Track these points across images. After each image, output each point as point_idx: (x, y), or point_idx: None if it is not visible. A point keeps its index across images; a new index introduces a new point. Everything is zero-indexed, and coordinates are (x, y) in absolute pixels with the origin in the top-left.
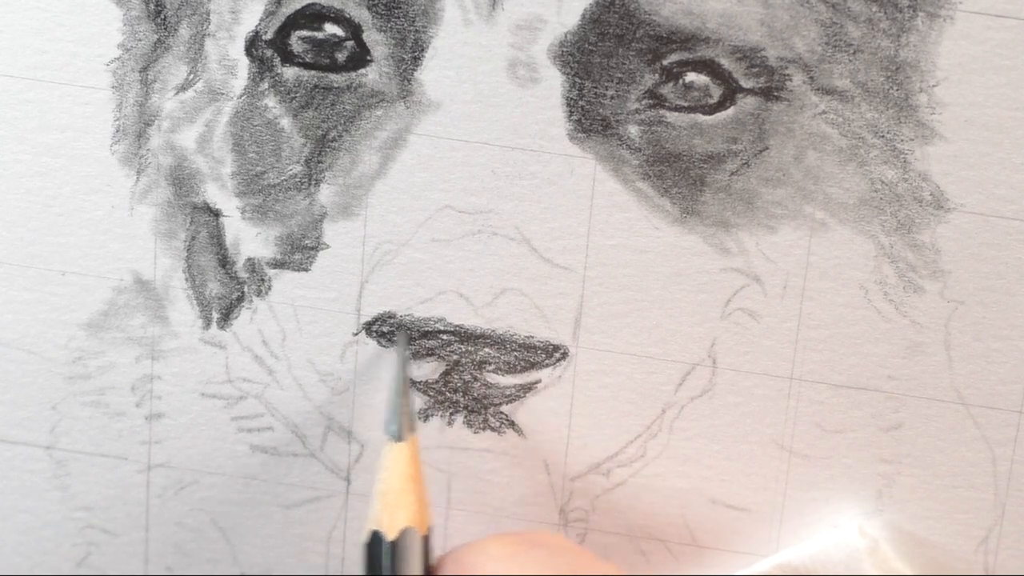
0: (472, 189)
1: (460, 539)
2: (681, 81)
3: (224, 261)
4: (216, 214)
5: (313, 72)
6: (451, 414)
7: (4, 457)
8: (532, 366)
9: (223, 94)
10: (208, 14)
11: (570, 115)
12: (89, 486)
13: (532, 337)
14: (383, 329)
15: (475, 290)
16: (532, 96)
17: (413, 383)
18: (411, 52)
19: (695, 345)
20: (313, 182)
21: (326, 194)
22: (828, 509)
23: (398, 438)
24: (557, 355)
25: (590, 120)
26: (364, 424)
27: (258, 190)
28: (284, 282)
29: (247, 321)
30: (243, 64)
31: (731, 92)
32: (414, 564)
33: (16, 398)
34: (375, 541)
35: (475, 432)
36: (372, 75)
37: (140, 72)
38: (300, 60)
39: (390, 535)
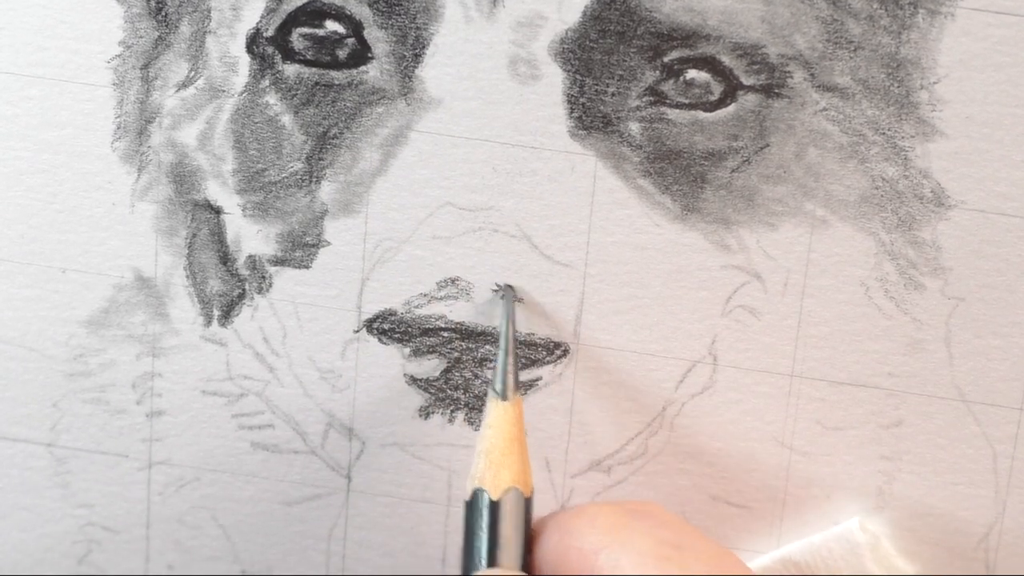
0: (473, 186)
1: (461, 536)
2: (682, 78)
3: (225, 258)
4: (217, 211)
5: (314, 69)
6: (452, 411)
7: (5, 454)
8: (533, 363)
9: (224, 91)
10: (209, 11)
11: (571, 112)
12: (90, 483)
13: (533, 334)
14: (384, 326)
15: (476, 287)
16: (533, 93)
17: (416, 379)
18: (412, 49)
19: (696, 342)
20: (314, 179)
21: (327, 191)
22: (829, 506)
23: (503, 396)
24: (558, 352)
25: (591, 117)
26: (365, 421)
27: (259, 187)
28: (285, 279)
29: (248, 318)
30: (244, 61)
31: (732, 89)
32: (517, 526)
33: (17, 395)
34: (477, 499)
35: (476, 429)
36: (373, 72)
37: (141, 69)
38: (301, 57)
39: (494, 494)
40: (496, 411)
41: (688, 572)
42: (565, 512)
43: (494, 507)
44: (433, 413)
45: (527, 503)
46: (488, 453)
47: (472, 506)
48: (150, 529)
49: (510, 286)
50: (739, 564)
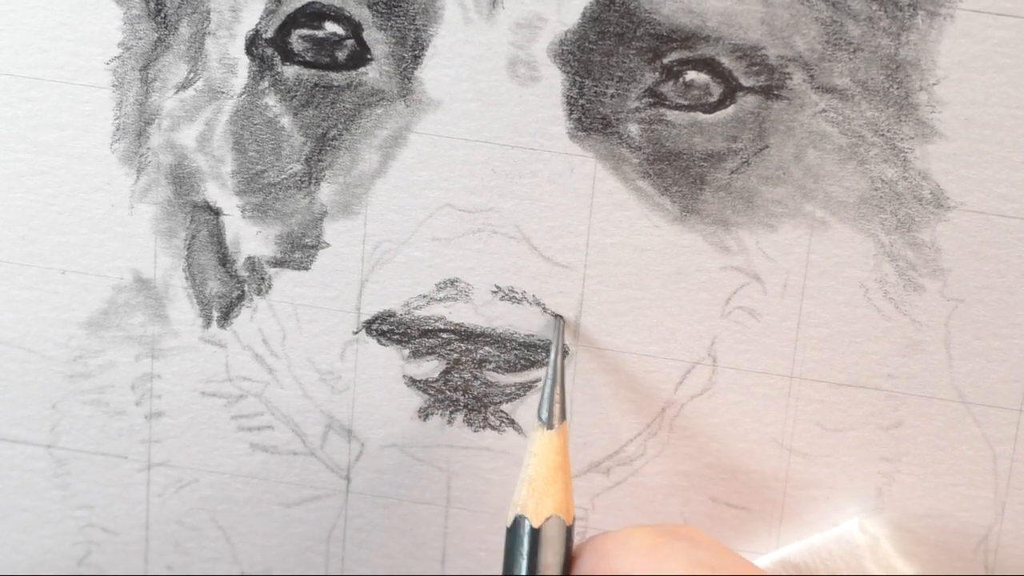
0: (472, 188)
1: (460, 538)
2: (681, 79)
3: (224, 260)
4: (216, 213)
5: (313, 71)
6: (451, 412)
7: (4, 456)
8: (532, 364)
9: (223, 92)
10: (208, 13)
11: (570, 113)
12: (89, 485)
13: (532, 335)
14: (383, 328)
15: (475, 288)
16: (532, 94)
17: (415, 381)
18: (411, 50)
19: (695, 343)
20: (313, 181)
21: (326, 193)
22: (828, 507)
23: (549, 425)
24: None
25: (590, 118)
26: (364, 423)
27: (258, 189)
28: (284, 281)
29: (247, 320)
30: (243, 63)
31: (731, 90)
32: (557, 552)
33: (16, 397)
34: (518, 526)
35: (475, 430)
36: (372, 73)
37: (140, 71)
38: (300, 59)
39: (536, 522)
40: (541, 439)
41: None
42: (601, 536)
43: (535, 534)
44: (432, 414)
45: (568, 531)
46: (532, 481)
47: (513, 532)
48: (149, 530)
49: (561, 316)
50: None
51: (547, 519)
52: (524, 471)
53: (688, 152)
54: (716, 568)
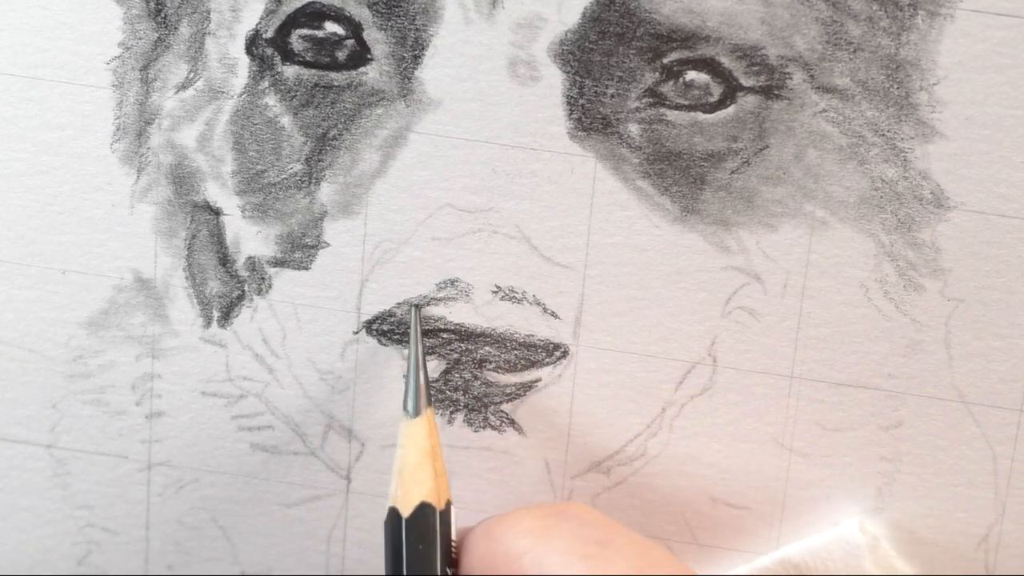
0: (472, 187)
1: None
2: (681, 79)
3: (224, 259)
4: (216, 212)
5: (313, 70)
6: (451, 412)
7: (4, 456)
8: (532, 364)
9: (223, 92)
10: (208, 12)
11: (570, 113)
12: (89, 485)
13: (532, 335)
14: (383, 328)
15: (475, 288)
16: (532, 94)
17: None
18: (411, 50)
19: (695, 343)
20: (313, 180)
21: (326, 192)
22: (828, 507)
23: (414, 414)
24: (557, 353)
25: (590, 118)
26: (365, 422)
27: (258, 188)
28: (284, 280)
29: (247, 320)
30: (243, 62)
31: (731, 90)
32: (431, 539)
33: (16, 397)
34: (392, 518)
35: (475, 430)
36: (372, 73)
37: (140, 70)
38: (300, 58)
39: (405, 511)
40: (406, 430)
41: (613, 568)
42: (490, 519)
43: (406, 523)
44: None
45: (443, 515)
46: (400, 472)
47: (388, 526)
48: (150, 530)
49: (416, 305)
50: (667, 557)
51: (417, 507)
52: (394, 464)
53: (688, 152)
54: (605, 543)
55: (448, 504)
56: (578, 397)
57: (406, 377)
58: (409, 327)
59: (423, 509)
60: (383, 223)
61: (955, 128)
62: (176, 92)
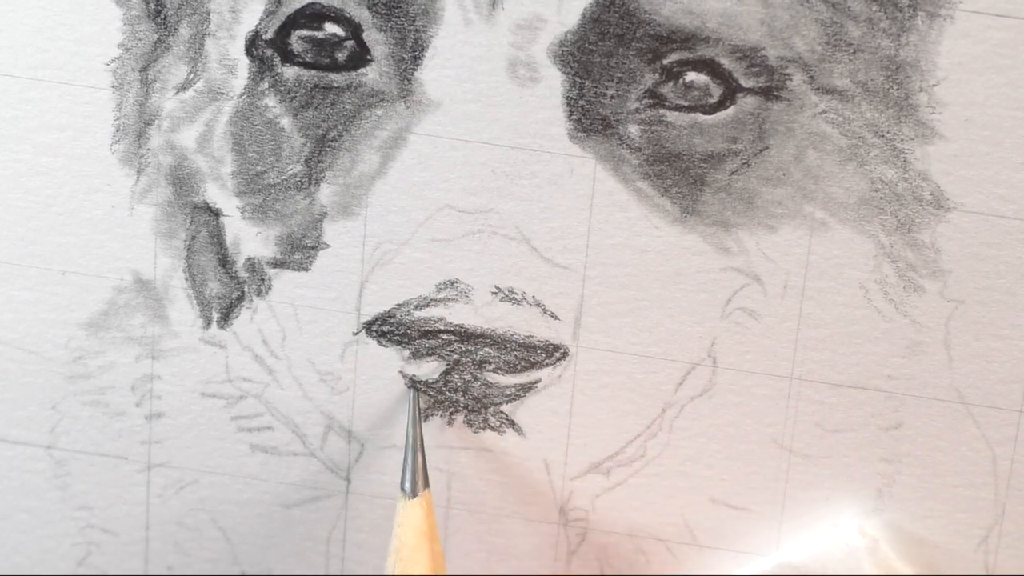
0: (472, 189)
1: (460, 538)
2: (681, 80)
3: (224, 261)
4: (216, 214)
5: (313, 72)
6: (451, 413)
7: (4, 457)
8: (532, 366)
9: (223, 93)
10: (208, 13)
11: (570, 115)
12: (89, 486)
13: (532, 336)
14: (383, 329)
15: (475, 290)
16: (532, 96)
17: (415, 382)
18: (411, 51)
19: (695, 345)
20: (313, 182)
21: (326, 194)
22: (828, 508)
23: (412, 495)
24: (557, 355)
25: (590, 120)
26: (364, 424)
27: (258, 190)
28: (284, 282)
29: (247, 321)
30: (243, 63)
31: (731, 91)
32: None
33: (16, 398)
34: None
35: (475, 431)
36: (372, 75)
37: (140, 72)
38: (300, 60)
39: None
40: (404, 509)
41: None
42: None
43: None
44: (432, 415)
45: None
46: (398, 551)
47: None
48: (149, 531)
49: (416, 386)
50: None
51: None
52: (391, 543)
53: (688, 153)
54: None
55: None
56: (578, 398)
57: (404, 456)
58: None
59: None
60: (383, 224)
61: (955, 129)
62: (176, 93)
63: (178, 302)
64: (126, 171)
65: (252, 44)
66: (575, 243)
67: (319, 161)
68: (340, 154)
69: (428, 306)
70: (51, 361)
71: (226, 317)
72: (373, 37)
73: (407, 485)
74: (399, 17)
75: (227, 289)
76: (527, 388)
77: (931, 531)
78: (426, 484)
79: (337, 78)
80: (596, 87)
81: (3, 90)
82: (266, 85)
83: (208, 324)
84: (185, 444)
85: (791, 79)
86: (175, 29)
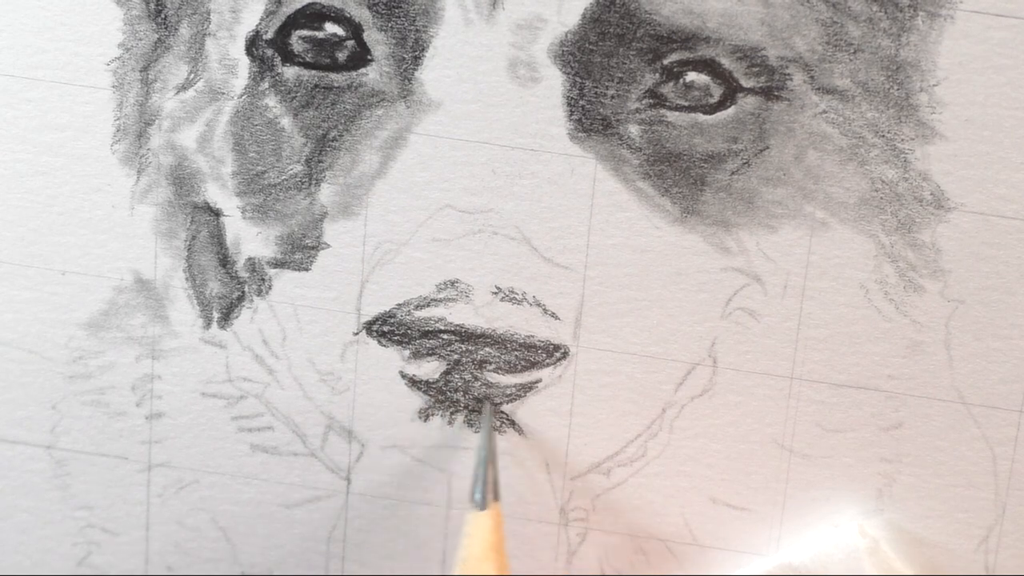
0: (472, 188)
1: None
2: (681, 80)
3: (224, 261)
4: (216, 213)
5: (313, 71)
6: (452, 413)
7: (4, 456)
8: (532, 365)
9: (223, 93)
10: (209, 13)
11: (570, 114)
12: (89, 485)
13: (532, 336)
14: (383, 329)
15: (475, 289)
16: (532, 95)
17: (415, 382)
18: (412, 51)
19: (695, 344)
20: (313, 181)
21: (326, 193)
22: (828, 508)
23: (482, 507)
24: (558, 354)
25: (590, 119)
26: (364, 424)
27: (259, 189)
28: (284, 282)
29: (247, 321)
30: (244, 63)
31: (731, 91)
32: None
33: (16, 397)
34: None
35: (476, 431)
36: (373, 74)
37: (141, 71)
38: (300, 59)
39: None
40: (475, 521)
41: None
42: None
43: None
44: (433, 415)
45: None
46: (466, 562)
47: None
48: (150, 531)
49: (493, 402)
50: None
51: None
52: (459, 552)
53: (688, 153)
54: None
55: None
56: (578, 398)
57: (474, 468)
58: (408, 327)
59: None
60: (383, 224)
61: (955, 129)
62: (176, 93)
63: (178, 302)
64: (126, 171)
65: (252, 44)
66: (575, 243)
67: (319, 161)
68: (340, 154)
69: (428, 306)
70: (51, 361)
71: (226, 317)
72: (373, 37)
73: (477, 496)
74: (399, 17)
75: (227, 289)
76: (527, 388)
77: (931, 531)
78: (496, 496)
79: (337, 78)
80: (596, 87)
81: (4, 90)
82: (266, 85)
83: (208, 324)
84: (185, 444)
85: (791, 79)
86: (175, 29)
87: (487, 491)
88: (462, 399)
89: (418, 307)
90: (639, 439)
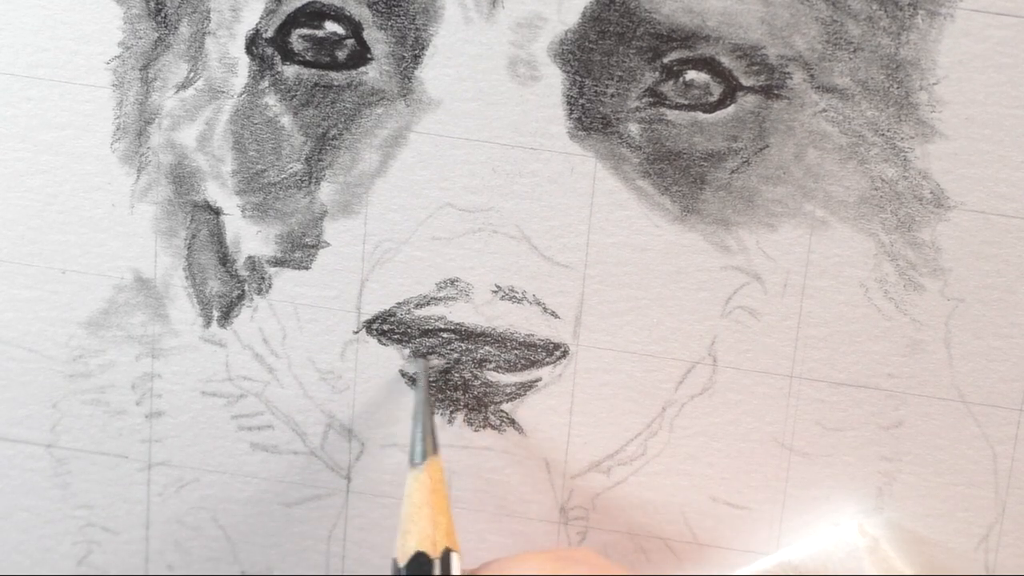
0: (472, 187)
1: (460, 537)
2: (681, 79)
3: (224, 259)
4: (216, 212)
5: (313, 70)
6: (451, 412)
7: (4, 455)
8: (532, 364)
9: (223, 92)
10: (208, 12)
11: (570, 113)
12: (89, 484)
13: (532, 335)
14: (383, 327)
15: (475, 288)
16: (532, 94)
17: (415, 381)
18: (411, 50)
19: (695, 343)
20: (313, 180)
21: (326, 192)
22: (828, 507)
23: (412, 464)
24: (557, 353)
25: (590, 118)
26: (364, 422)
27: (258, 188)
28: (284, 280)
29: (247, 319)
30: (243, 62)
31: (731, 90)
32: None
33: (16, 396)
34: (393, 567)
35: (476, 430)
36: (372, 73)
37: (140, 70)
38: (300, 58)
39: (401, 561)
40: (409, 479)
41: None
42: (496, 563)
43: (403, 573)
44: (433, 414)
45: (443, 563)
46: (401, 522)
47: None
48: (150, 530)
49: (424, 355)
50: None
51: (412, 556)
52: (400, 512)
53: (688, 152)
54: None
55: (447, 551)
56: (578, 397)
57: (412, 429)
58: (408, 325)
59: (418, 558)
60: (383, 223)
61: (955, 128)
62: (176, 92)
63: (178, 301)
64: (126, 169)
65: (252, 43)
66: (575, 241)
67: (319, 159)
68: (340, 152)
69: (428, 304)
70: (51, 360)
71: (226, 316)
72: (373, 35)
73: (415, 456)
74: (399, 15)
75: (227, 288)
76: (527, 387)
77: (931, 530)
78: (433, 450)
79: (337, 76)
80: (596, 85)
81: (4, 89)
82: (266, 83)
83: (208, 323)
84: (185, 443)
85: (791, 77)
86: (175, 28)
87: (420, 448)
88: (462, 397)
89: (418, 306)
90: (639, 438)
